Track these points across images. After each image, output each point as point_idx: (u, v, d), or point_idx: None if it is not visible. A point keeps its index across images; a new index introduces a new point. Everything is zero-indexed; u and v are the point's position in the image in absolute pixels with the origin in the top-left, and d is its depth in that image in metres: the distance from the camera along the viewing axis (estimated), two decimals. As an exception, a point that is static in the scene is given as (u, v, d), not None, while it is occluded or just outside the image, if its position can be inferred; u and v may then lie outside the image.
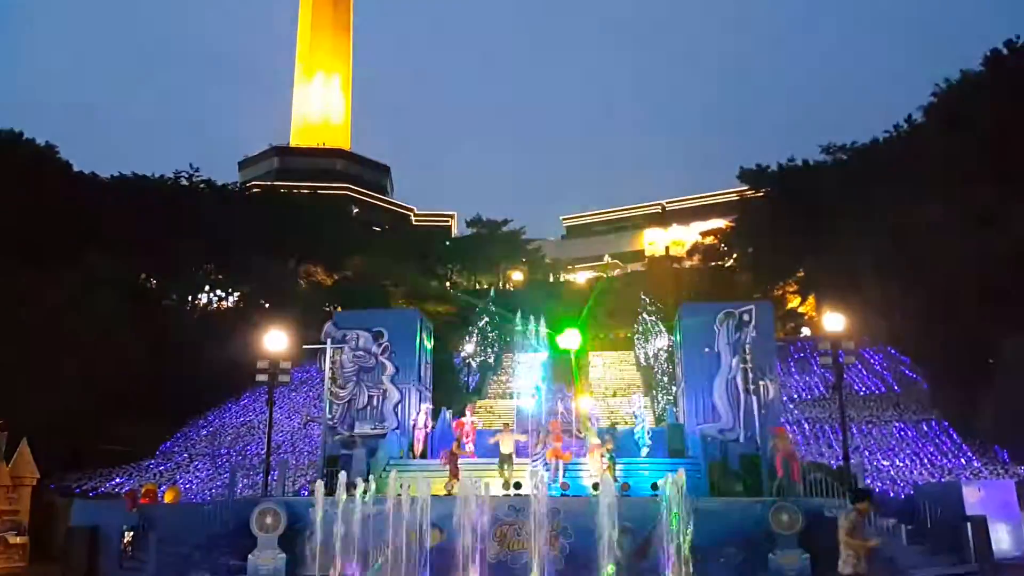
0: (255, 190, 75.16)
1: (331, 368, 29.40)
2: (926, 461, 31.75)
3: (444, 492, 24.17)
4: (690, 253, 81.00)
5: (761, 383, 27.23)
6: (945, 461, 31.58)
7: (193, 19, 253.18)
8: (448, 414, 32.35)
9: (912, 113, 46.47)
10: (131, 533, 22.44)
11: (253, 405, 42.57)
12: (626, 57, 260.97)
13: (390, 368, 30.40)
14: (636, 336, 49.59)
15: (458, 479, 24.20)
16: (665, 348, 40.68)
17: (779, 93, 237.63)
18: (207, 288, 56.30)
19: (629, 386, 43.56)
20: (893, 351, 42.61)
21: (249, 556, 21.88)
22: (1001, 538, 21.83)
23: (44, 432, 29.72)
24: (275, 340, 28.32)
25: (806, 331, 56.84)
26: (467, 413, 29.89)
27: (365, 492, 24.18)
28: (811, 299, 57.17)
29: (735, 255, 66.08)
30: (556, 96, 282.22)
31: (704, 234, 78.17)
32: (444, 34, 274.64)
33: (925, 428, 34.62)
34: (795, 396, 40.11)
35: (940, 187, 35.27)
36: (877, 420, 36.13)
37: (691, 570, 19.56)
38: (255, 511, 22.36)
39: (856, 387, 39.88)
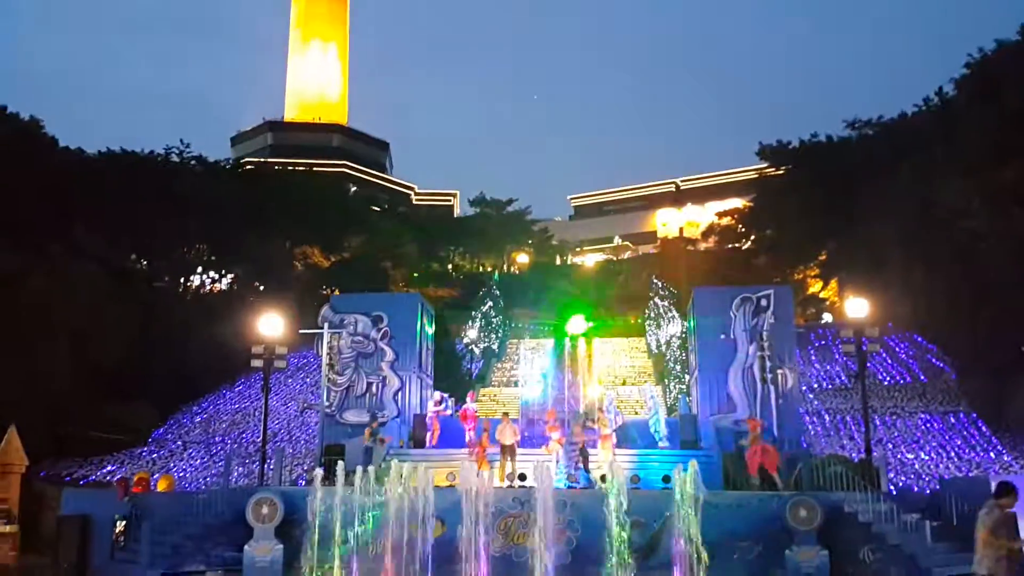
0: (248, 167, 75.17)
1: (328, 354, 29.60)
2: (953, 454, 31.84)
3: (447, 483, 24.40)
4: (705, 235, 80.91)
5: (779, 372, 27.35)
6: (973, 454, 31.65)
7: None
8: (451, 401, 32.56)
9: (943, 86, 46.09)
10: (123, 523, 22.76)
11: (248, 391, 42.85)
12: (640, 26, 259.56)
13: (390, 354, 30.57)
14: (648, 322, 49.70)
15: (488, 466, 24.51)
16: (678, 335, 40.81)
17: (803, 66, 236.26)
18: (199, 269, 56.51)
19: (640, 374, 43.74)
20: (919, 339, 42.58)
21: (245, 547, 22.13)
22: (1030, 535, 21.92)
23: (32, 418, 30.06)
24: (270, 324, 28.52)
25: (828, 317, 56.80)
26: (468, 400, 30.08)
27: (364, 482, 24.49)
28: (833, 283, 57.04)
29: (753, 237, 65.88)
30: (562, 69, 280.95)
31: (720, 215, 77.93)
32: (444, 5, 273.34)
33: (952, 420, 34.68)
34: (815, 385, 40.19)
35: (972, 164, 34.97)
36: (902, 411, 36.20)
37: (704, 565, 19.76)
38: (251, 501, 22.59)
39: (880, 376, 39.90)
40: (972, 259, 34.33)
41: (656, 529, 21.39)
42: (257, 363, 27.89)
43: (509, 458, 25.23)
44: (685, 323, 36.80)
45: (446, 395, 32.16)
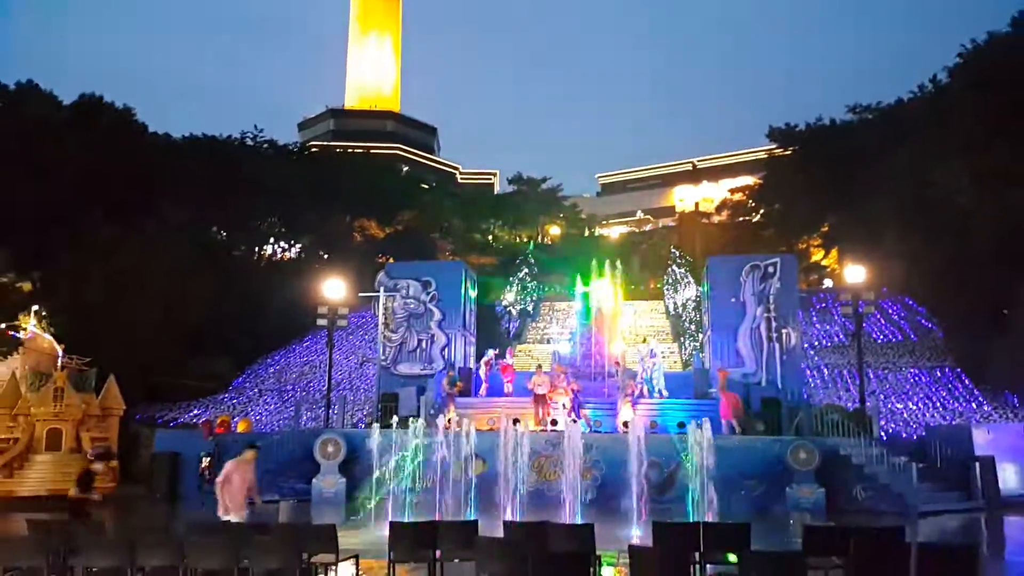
0: (313, 149, 75.40)
1: (384, 314, 29.87)
2: (938, 405, 31.45)
3: (487, 427, 24.58)
4: (719, 209, 79.86)
5: (784, 331, 27.11)
6: (956, 405, 31.26)
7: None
8: (493, 354, 32.65)
9: (938, 74, 44.97)
10: (208, 459, 23.31)
11: (314, 346, 43.35)
12: (663, 24, 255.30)
13: (437, 314, 30.75)
14: (666, 287, 49.36)
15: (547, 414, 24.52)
16: (693, 298, 40.51)
17: (810, 55, 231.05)
18: (271, 240, 57.06)
19: (659, 333, 43.52)
20: (911, 302, 41.95)
21: (313, 480, 22.60)
22: (1008, 477, 21.76)
23: (129, 369, 30.71)
24: (333, 288, 28.82)
25: (828, 282, 56.08)
26: (507, 356, 30.18)
27: (416, 426, 24.77)
28: (834, 252, 56.23)
29: (762, 211, 64.97)
30: (591, 57, 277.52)
31: (733, 191, 76.90)
32: (482, 5, 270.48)
33: (939, 374, 34.23)
34: (816, 343, 39.80)
35: (963, 145, 34.24)
36: (893, 366, 35.78)
37: (713, 501, 19.78)
38: (318, 441, 23.03)
39: (874, 335, 39.41)
40: (961, 232, 33.65)
41: (671, 469, 21.46)
42: (322, 322, 28.24)
43: (541, 405, 25.34)
44: (699, 288, 36.52)
45: (495, 353, 32.07)
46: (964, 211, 33.54)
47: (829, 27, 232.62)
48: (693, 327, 38.78)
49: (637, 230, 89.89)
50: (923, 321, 40.00)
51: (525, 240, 79.81)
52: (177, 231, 40.13)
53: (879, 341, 39.11)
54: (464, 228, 76.16)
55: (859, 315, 26.51)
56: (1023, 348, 29.97)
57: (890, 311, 42.03)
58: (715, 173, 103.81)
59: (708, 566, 10.08)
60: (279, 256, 58.09)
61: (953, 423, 28.22)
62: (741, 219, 68.37)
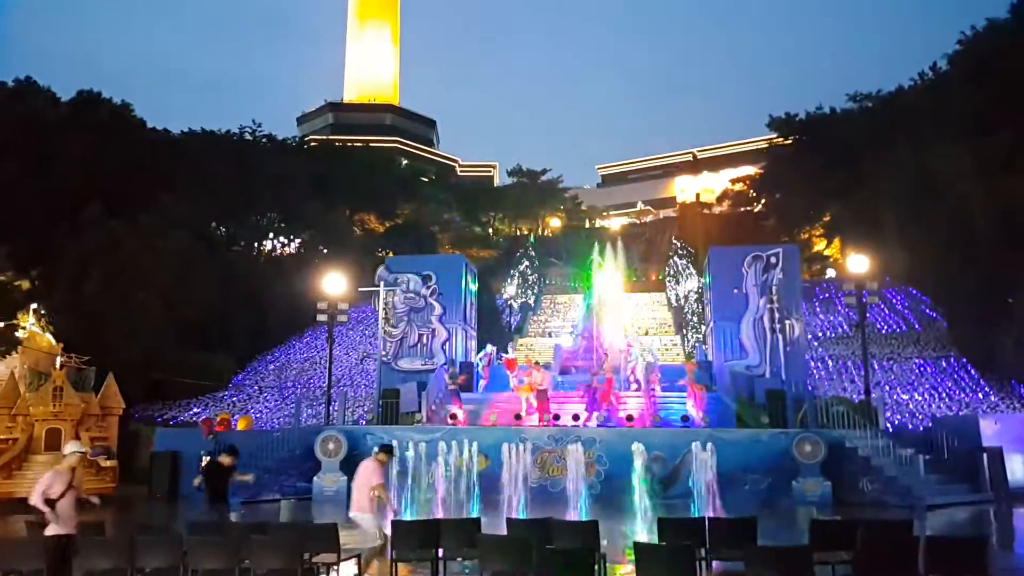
0: (312, 144, 75.22)
1: (384, 309, 29.77)
2: (944, 395, 31.33)
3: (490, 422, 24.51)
4: (720, 199, 79.68)
5: (787, 322, 27.02)
6: (963, 395, 31.12)
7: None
8: (493, 349, 32.61)
9: (937, 61, 44.79)
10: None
11: (315, 342, 43.27)
12: (663, 14, 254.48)
13: (438, 308, 30.65)
14: (668, 278, 49.24)
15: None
16: (695, 290, 40.40)
17: (810, 43, 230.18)
18: (271, 235, 56.91)
19: (661, 325, 43.45)
20: (914, 291, 41.82)
21: (314, 478, 22.51)
22: (1016, 468, 21.61)
23: (128, 366, 30.60)
24: (333, 283, 28.69)
25: (831, 273, 55.92)
26: (508, 350, 30.08)
27: (418, 421, 24.71)
28: (836, 242, 56.08)
29: (763, 201, 64.85)
30: (591, 46, 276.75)
31: (734, 181, 76.71)
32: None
33: (944, 364, 34.09)
34: (819, 335, 39.67)
35: (963, 133, 34.10)
36: (898, 357, 35.65)
37: (718, 495, 19.72)
38: (319, 438, 22.93)
39: (878, 326, 39.29)
40: (962, 220, 33.48)
41: (675, 463, 21.36)
42: (322, 317, 28.10)
43: (542, 401, 25.22)
44: (701, 279, 36.39)
45: (494, 348, 32.03)
46: (966, 199, 33.37)
47: (828, 16, 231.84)
48: (695, 319, 38.68)
49: (638, 221, 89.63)
50: (927, 311, 39.88)
51: (525, 232, 79.70)
52: (177, 226, 39.94)
53: (883, 331, 38.99)
54: (464, 221, 76.09)
55: (863, 305, 26.35)
56: (1029, 337, 29.86)
57: (894, 301, 41.90)
58: (716, 163, 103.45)
59: (714, 562, 9.99)
60: (279, 251, 57.98)
61: (960, 414, 28.09)
62: (742, 209, 68.26)
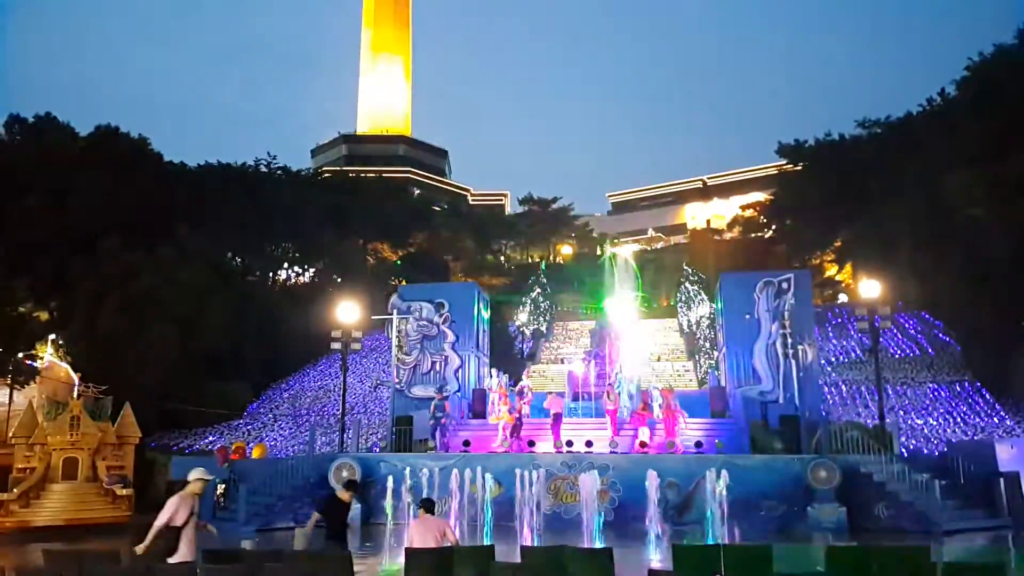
0: (326, 175, 75.88)
1: (398, 336, 29.80)
2: (959, 420, 30.96)
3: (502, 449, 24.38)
4: (730, 225, 79.71)
5: (800, 347, 26.80)
6: (978, 420, 30.75)
7: (265, 20, 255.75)
8: (504, 377, 32.50)
9: (946, 87, 44.89)
10: (223, 486, 23.16)
11: (329, 370, 43.31)
12: (672, 43, 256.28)
13: (451, 336, 30.63)
14: (679, 304, 49.09)
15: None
16: (707, 315, 40.24)
17: (818, 71, 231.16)
18: (285, 265, 57.29)
19: (673, 351, 43.27)
20: (927, 316, 41.51)
21: (328, 506, 22.36)
22: (1033, 493, 21.21)
23: (145, 395, 30.70)
24: (347, 311, 28.77)
25: (843, 297, 55.67)
26: (523, 378, 29.99)
27: (431, 449, 24.63)
28: (848, 267, 55.89)
29: (774, 227, 64.78)
30: (602, 78, 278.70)
31: (744, 207, 76.72)
32: (493, 24, 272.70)
33: (958, 388, 33.73)
34: (832, 360, 39.38)
35: (973, 158, 34.02)
36: (911, 381, 35.31)
37: (733, 522, 19.50)
38: (333, 465, 22.88)
39: (891, 350, 38.97)
40: (975, 244, 33.32)
41: (689, 489, 21.16)
42: (336, 345, 28.13)
43: (556, 426, 25.11)
44: (713, 305, 36.26)
45: (504, 376, 31.67)
46: (977, 223, 33.22)
47: (836, 44, 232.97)
48: (708, 345, 38.49)
49: (649, 248, 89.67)
50: (940, 335, 39.55)
51: (537, 260, 79.84)
52: (193, 258, 40.27)
53: (896, 356, 38.66)
54: (476, 249, 76.32)
55: (875, 330, 26.17)
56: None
57: (906, 325, 41.60)
58: (726, 190, 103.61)
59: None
60: (293, 280, 58.30)
61: (975, 438, 27.73)
62: (753, 235, 68.17)
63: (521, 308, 48.68)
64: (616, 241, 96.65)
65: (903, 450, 25.96)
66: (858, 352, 39.49)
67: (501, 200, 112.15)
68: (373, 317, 33.52)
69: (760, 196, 74.80)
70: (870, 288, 26.88)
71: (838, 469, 20.64)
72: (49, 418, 25.76)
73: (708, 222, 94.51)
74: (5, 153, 42.53)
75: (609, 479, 21.60)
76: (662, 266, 72.54)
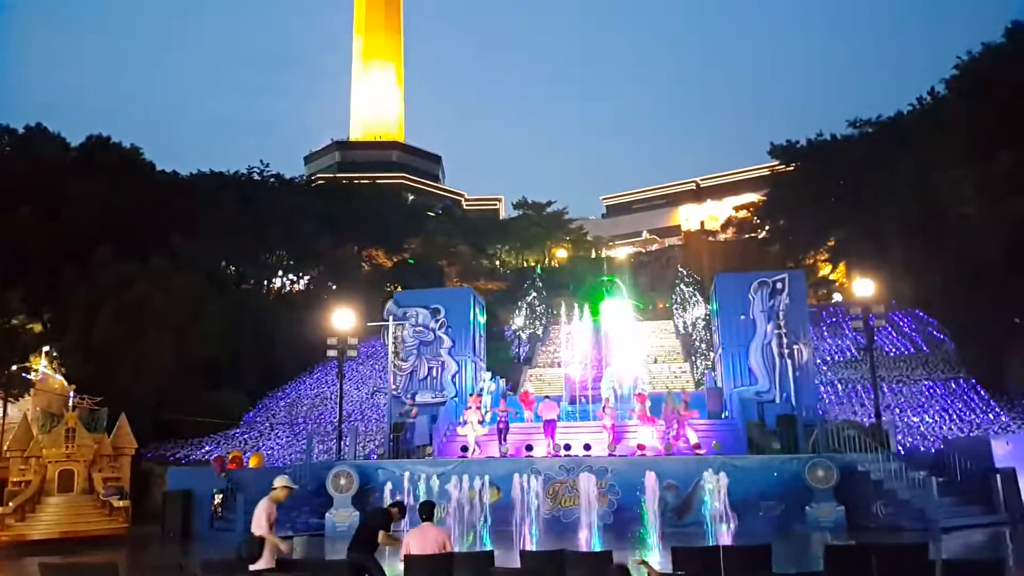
0: (319, 182, 75.82)
1: (394, 343, 29.76)
2: (955, 417, 31.05)
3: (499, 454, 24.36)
4: (724, 227, 79.79)
5: (795, 347, 26.86)
6: (973, 416, 30.85)
7: (257, 27, 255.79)
8: (502, 381, 32.51)
9: (935, 86, 45.07)
10: (220, 496, 23.10)
11: (325, 377, 43.23)
12: (663, 45, 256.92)
13: (447, 341, 30.62)
14: (675, 306, 49.12)
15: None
16: (702, 317, 40.29)
17: (807, 71, 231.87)
18: (280, 272, 57.19)
19: (669, 353, 43.29)
20: (921, 314, 41.63)
21: (327, 514, 22.36)
22: (1029, 488, 21.28)
23: (140, 405, 30.60)
24: (343, 318, 28.75)
25: (837, 297, 55.78)
26: (524, 382, 30.01)
27: (429, 455, 24.59)
28: (842, 266, 56.03)
29: (767, 227, 64.88)
30: (595, 83, 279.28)
31: (737, 208, 76.88)
32: (485, 28, 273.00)
33: (953, 386, 33.83)
34: (828, 359, 39.46)
35: (964, 156, 34.16)
36: (907, 379, 35.40)
37: (732, 522, 19.51)
38: (330, 473, 22.81)
39: (886, 349, 39.07)
40: (967, 242, 33.43)
41: (688, 491, 21.16)
42: (332, 353, 28.10)
43: (551, 431, 25.08)
44: (708, 306, 36.32)
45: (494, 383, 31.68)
46: (968, 221, 33.35)
47: (827, 44, 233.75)
48: (704, 346, 38.53)
49: (643, 250, 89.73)
50: (935, 332, 39.66)
51: (532, 264, 79.81)
52: (186, 266, 40.19)
53: (891, 354, 38.76)
54: (471, 254, 76.25)
55: (870, 329, 26.26)
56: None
57: (901, 324, 41.71)
58: (719, 191, 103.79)
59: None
60: (288, 288, 58.19)
61: (971, 435, 27.80)
62: (747, 236, 68.27)
63: (517, 312, 48.66)
64: (611, 244, 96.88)
65: (900, 448, 26.01)
66: (853, 351, 39.60)
67: (495, 204, 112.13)
68: (369, 324, 33.51)
69: (754, 197, 74.91)
70: (864, 287, 26.99)
71: (836, 468, 20.67)
72: (44, 430, 25.65)
73: (702, 224, 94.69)
74: (-4, 164, 42.39)
75: (607, 482, 21.60)
76: (657, 268, 72.69)
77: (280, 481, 9.64)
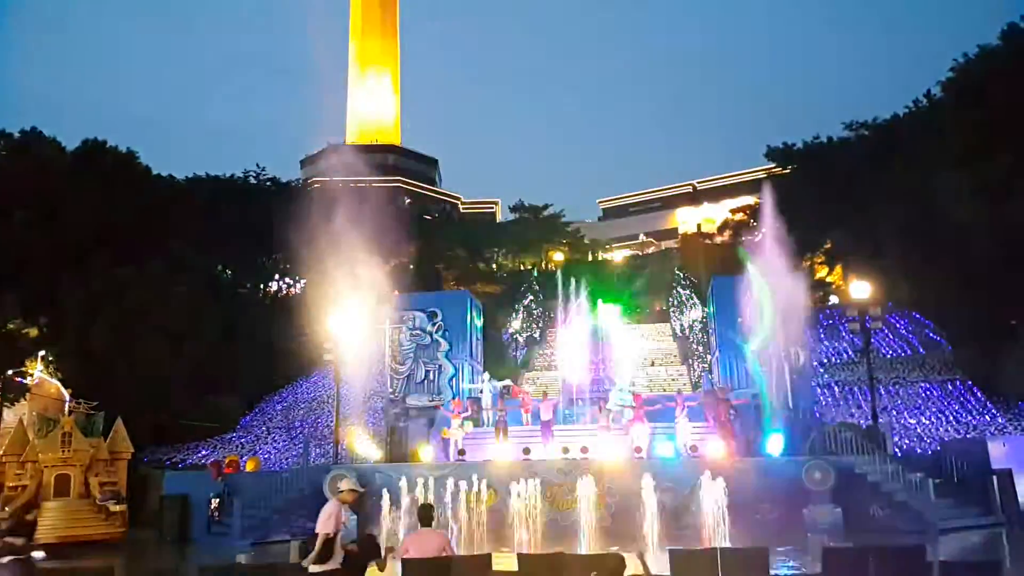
0: (316, 185, 75.77)
1: (391, 346, 29.78)
2: (951, 418, 31.11)
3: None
4: (721, 229, 79.88)
5: (792, 350, 26.90)
6: (970, 418, 30.90)
7: (253, 32, 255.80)
8: (500, 383, 32.48)
9: (931, 88, 45.14)
10: (217, 500, 23.09)
11: (322, 381, 43.15)
12: (658, 49, 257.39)
13: (444, 345, 30.65)
14: (671, 309, 49.19)
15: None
16: (699, 319, 40.35)
17: (803, 74, 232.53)
18: (276, 276, 57.07)
19: (666, 356, 43.33)
20: (917, 315, 41.67)
21: (323, 518, 22.27)
22: (1026, 490, 21.35)
23: (136, 410, 30.56)
24: (339, 323, 28.75)
25: (834, 299, 55.79)
26: (523, 385, 30.04)
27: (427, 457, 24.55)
28: (838, 269, 56.06)
29: (764, 230, 64.96)
30: (591, 85, 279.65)
31: (734, 211, 76.98)
32: (482, 32, 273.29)
33: (950, 387, 33.88)
34: (825, 361, 39.49)
35: (960, 158, 34.24)
36: (903, 381, 35.44)
37: (729, 525, 19.53)
38: (328, 477, 22.79)
39: (883, 351, 39.11)
40: (963, 244, 33.51)
41: (685, 494, 21.17)
42: (329, 357, 28.10)
43: (547, 432, 25.12)
44: (705, 309, 36.36)
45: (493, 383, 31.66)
46: (964, 223, 33.44)
47: (822, 47, 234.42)
48: (701, 348, 38.57)
49: (640, 253, 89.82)
50: (931, 334, 39.70)
51: (529, 267, 79.81)
52: (183, 271, 40.10)
53: (888, 356, 38.79)
54: (468, 257, 76.23)
55: (867, 331, 26.33)
56: (1034, 358, 29.72)
57: (897, 326, 41.73)
58: (715, 194, 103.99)
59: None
60: (285, 292, 58.08)
61: (968, 436, 27.86)
62: (744, 238, 68.33)
63: (514, 315, 48.67)
64: (608, 247, 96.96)
65: (897, 450, 26.07)
66: (850, 353, 39.62)
67: (492, 208, 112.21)
68: (366, 327, 33.41)
69: (750, 199, 75.01)
70: (860, 289, 27.05)
71: (833, 470, 20.70)
72: (40, 435, 25.63)
73: (699, 226, 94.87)
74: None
75: (605, 485, 21.59)
76: (654, 271, 72.69)
77: (346, 483, 9.67)
